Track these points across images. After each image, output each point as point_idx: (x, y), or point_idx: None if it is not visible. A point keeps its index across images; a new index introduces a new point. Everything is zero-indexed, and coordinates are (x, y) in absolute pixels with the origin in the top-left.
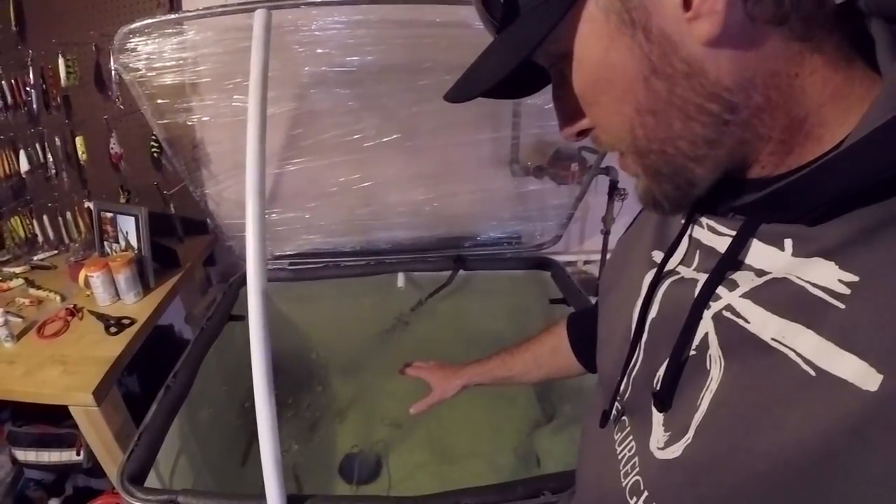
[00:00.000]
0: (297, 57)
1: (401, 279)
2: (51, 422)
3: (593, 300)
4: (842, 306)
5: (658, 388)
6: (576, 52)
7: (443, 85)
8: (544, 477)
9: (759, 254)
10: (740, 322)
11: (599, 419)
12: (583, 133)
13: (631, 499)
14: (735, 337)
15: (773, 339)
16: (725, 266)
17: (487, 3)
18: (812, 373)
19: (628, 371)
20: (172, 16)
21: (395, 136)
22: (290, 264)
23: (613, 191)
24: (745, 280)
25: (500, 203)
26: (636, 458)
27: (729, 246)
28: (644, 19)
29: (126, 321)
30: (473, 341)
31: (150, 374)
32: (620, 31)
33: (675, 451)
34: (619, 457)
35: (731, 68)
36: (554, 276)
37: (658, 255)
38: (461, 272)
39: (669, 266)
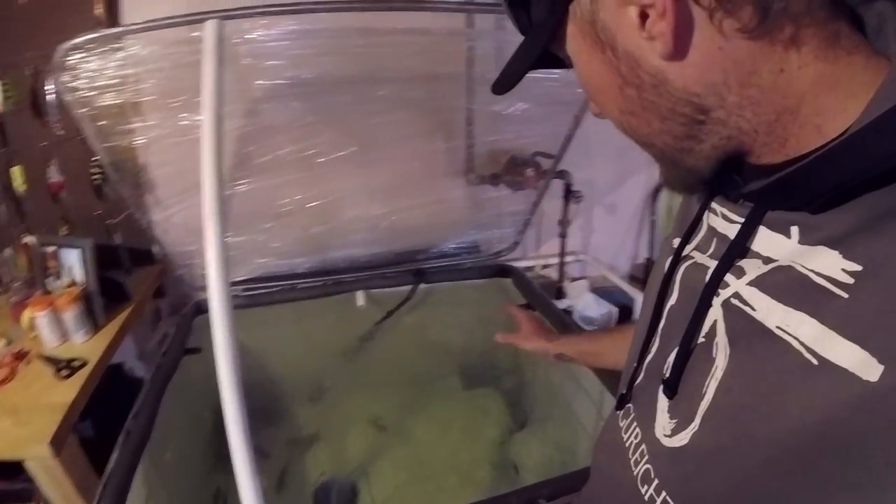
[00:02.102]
0: (247, 70)
1: (360, 298)
2: (2, 476)
3: (558, 304)
4: (845, 295)
5: (667, 375)
6: (572, 58)
7: (401, 95)
8: (538, 485)
9: (767, 241)
10: (747, 309)
11: (616, 401)
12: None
13: (642, 487)
14: (741, 324)
15: (777, 326)
16: (733, 253)
17: (514, 15)
18: (814, 361)
19: (645, 357)
20: (116, 30)
21: (351, 150)
22: (245, 290)
23: (569, 194)
24: (753, 267)
25: (458, 213)
26: (643, 446)
27: (737, 233)
28: (610, 39)
29: (77, 363)
30: (439, 354)
31: (105, 416)
32: (595, 48)
33: (683, 438)
34: (627, 444)
35: (697, 76)
36: (516, 283)
37: (677, 242)
38: (422, 286)
39: (686, 251)
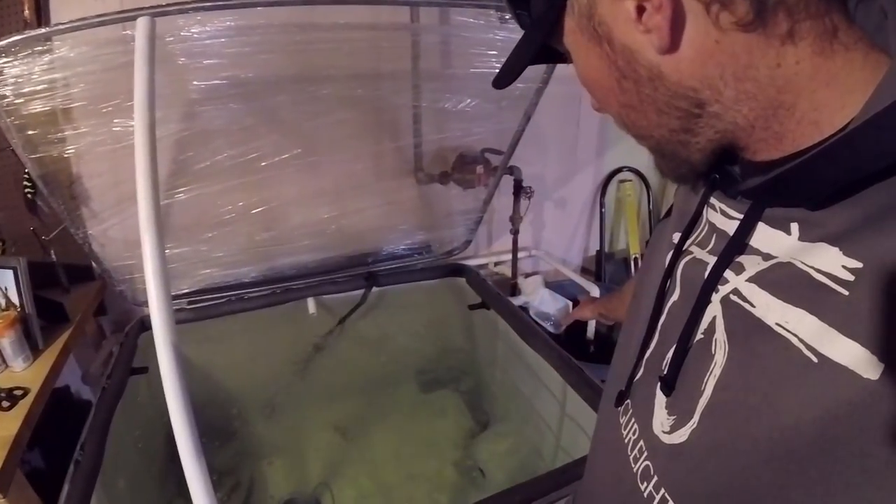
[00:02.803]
0: (182, 70)
1: (311, 305)
2: None
3: (514, 301)
4: (845, 292)
5: (665, 371)
6: (571, 52)
7: (344, 93)
8: (515, 489)
9: (766, 237)
10: (746, 306)
11: (614, 399)
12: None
13: (641, 483)
14: (740, 321)
15: (776, 323)
16: (733, 250)
17: (514, 9)
18: (814, 358)
19: (644, 352)
20: (42, 30)
21: (294, 153)
22: (190, 303)
23: (519, 190)
24: (752, 264)
25: (408, 213)
26: (641, 442)
27: (736, 229)
28: (607, 33)
29: (19, 392)
30: (396, 358)
31: (54, 444)
32: (592, 42)
33: (682, 435)
34: (626, 440)
35: (692, 70)
36: (469, 282)
37: (676, 236)
38: (374, 289)
39: (686, 246)
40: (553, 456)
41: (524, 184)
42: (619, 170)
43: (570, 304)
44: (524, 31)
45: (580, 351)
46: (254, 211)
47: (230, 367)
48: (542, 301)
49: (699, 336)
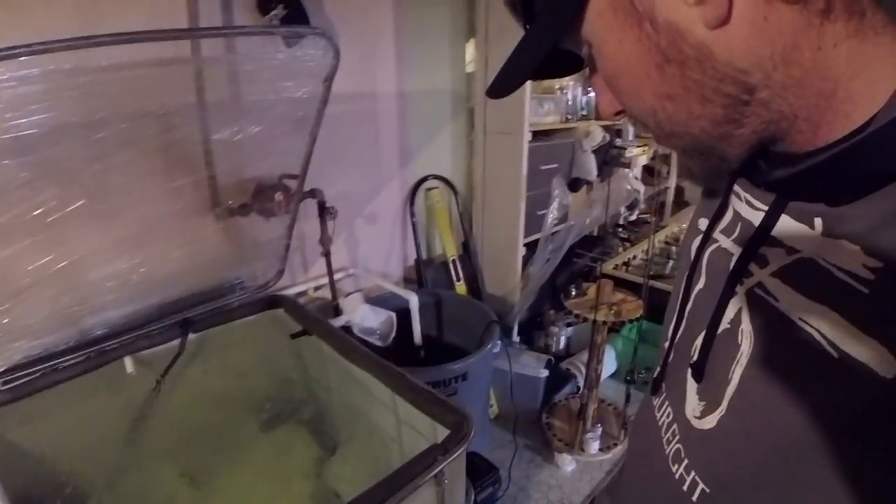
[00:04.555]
0: None
1: (129, 364)
2: None
3: (337, 321)
4: (865, 291)
5: (695, 358)
6: (593, 43)
7: (127, 134)
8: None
9: (790, 231)
10: (770, 300)
11: (650, 387)
12: (620, 112)
13: (673, 466)
14: (765, 314)
15: (800, 318)
16: (757, 242)
17: (512, 4)
18: (834, 354)
19: (675, 338)
20: None
21: (81, 203)
22: (4, 383)
23: (323, 211)
24: (776, 258)
25: (213, 251)
26: (675, 426)
27: (760, 222)
28: (649, 10)
29: None
30: (230, 402)
31: None
32: (629, 23)
33: (711, 421)
34: (660, 423)
35: (743, 48)
36: (288, 311)
37: (704, 223)
38: (192, 336)
39: (713, 234)
40: (399, 461)
41: (328, 204)
42: (424, 178)
43: (394, 314)
44: (531, 26)
45: (412, 357)
46: (50, 271)
47: (58, 445)
48: (363, 317)
49: (726, 325)
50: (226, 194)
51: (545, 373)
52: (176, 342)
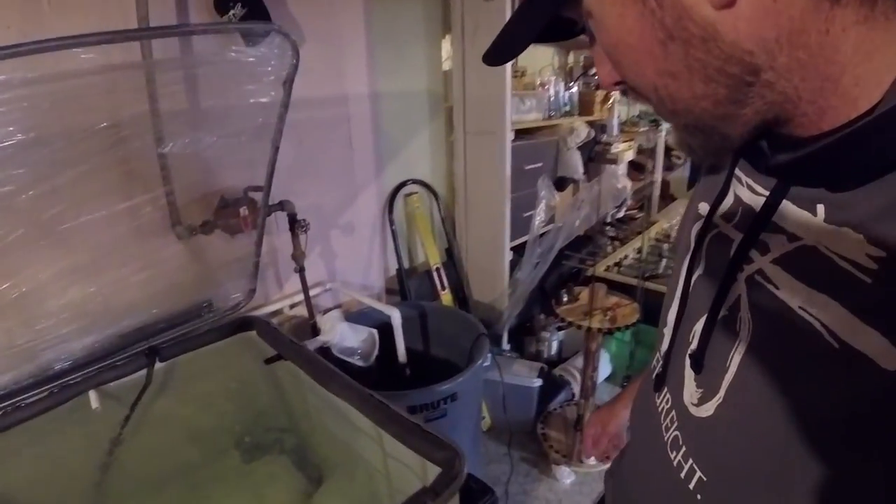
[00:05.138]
0: None
1: (94, 398)
2: None
3: (313, 343)
4: (868, 280)
5: (694, 345)
6: (594, 14)
7: (59, 154)
8: None
9: (792, 217)
10: (770, 287)
11: (653, 382)
12: (619, 83)
13: (671, 453)
14: (765, 302)
15: (800, 307)
16: (758, 228)
17: None
18: (835, 345)
19: (677, 326)
20: None
21: (21, 231)
22: None
23: (294, 224)
24: (777, 244)
25: (177, 274)
26: (673, 412)
27: (762, 207)
28: None
29: None
30: (206, 431)
31: None
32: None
33: (709, 409)
34: (659, 409)
35: (749, 30)
36: (260, 334)
37: (704, 208)
38: (160, 365)
39: (715, 219)
40: (390, 499)
41: (300, 217)
42: (402, 184)
43: (375, 331)
44: None
45: (397, 377)
46: (1, 304)
47: (25, 489)
48: (342, 336)
49: (724, 312)
50: (187, 211)
51: (538, 382)
52: (143, 373)
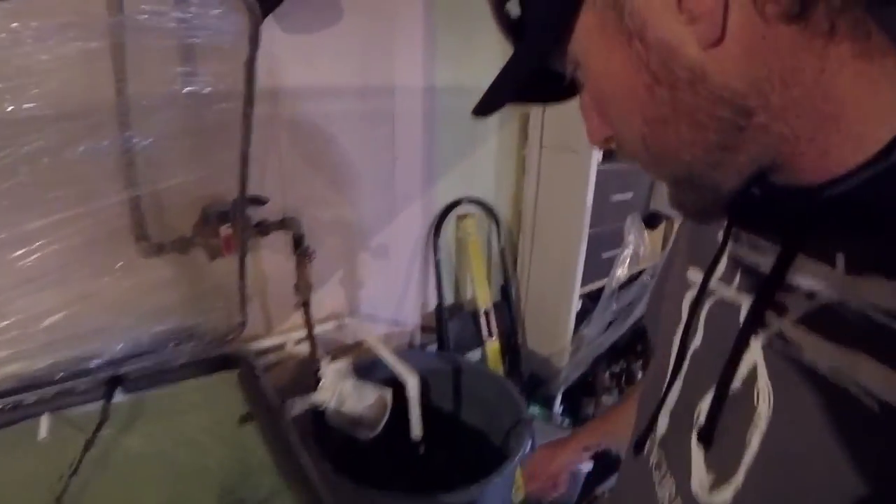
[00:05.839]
0: None
1: (43, 427)
2: None
3: (303, 401)
4: None
5: (700, 424)
6: (581, 62)
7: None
8: None
9: (809, 271)
10: (792, 352)
11: (633, 447)
12: (609, 140)
13: None
14: (787, 368)
15: (830, 370)
16: (772, 287)
17: (500, 19)
18: (875, 407)
19: (665, 403)
20: None
21: None
22: None
23: (298, 248)
24: (796, 303)
25: (157, 292)
26: (678, 500)
27: (774, 264)
28: (639, 27)
29: None
30: (182, 486)
31: None
32: (618, 41)
33: (724, 495)
34: (659, 497)
35: (739, 71)
36: (242, 378)
37: (694, 274)
38: (123, 398)
39: (711, 285)
40: None
41: (313, 234)
42: (456, 203)
43: (389, 393)
44: (520, 42)
45: (407, 452)
46: None
47: None
48: (342, 399)
49: (737, 385)
50: (158, 222)
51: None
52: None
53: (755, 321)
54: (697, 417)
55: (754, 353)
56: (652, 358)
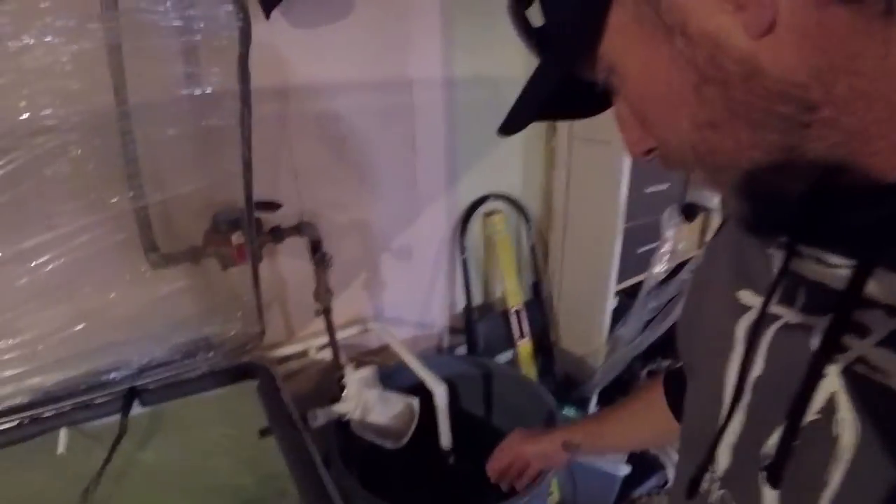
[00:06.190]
0: None
1: (62, 440)
2: None
3: (319, 415)
4: None
5: (770, 460)
6: (615, 65)
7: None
8: None
9: (889, 286)
10: (879, 377)
11: (687, 488)
12: (651, 151)
13: None
14: (874, 396)
15: None
16: (849, 307)
17: (521, 27)
18: None
19: (723, 438)
20: None
21: None
22: None
23: (317, 255)
24: (878, 322)
25: (173, 302)
26: None
27: (850, 281)
28: (681, 21)
29: None
30: (195, 491)
31: None
32: (657, 38)
33: None
34: None
35: (796, 60)
36: (261, 389)
37: (747, 296)
38: (142, 410)
39: (770, 309)
40: None
41: (331, 237)
42: (482, 199)
43: (416, 402)
44: (546, 51)
45: (436, 462)
46: None
47: None
48: (367, 410)
49: (812, 417)
50: (167, 232)
51: (625, 470)
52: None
53: (831, 346)
54: (766, 453)
55: (831, 381)
56: (691, 387)
